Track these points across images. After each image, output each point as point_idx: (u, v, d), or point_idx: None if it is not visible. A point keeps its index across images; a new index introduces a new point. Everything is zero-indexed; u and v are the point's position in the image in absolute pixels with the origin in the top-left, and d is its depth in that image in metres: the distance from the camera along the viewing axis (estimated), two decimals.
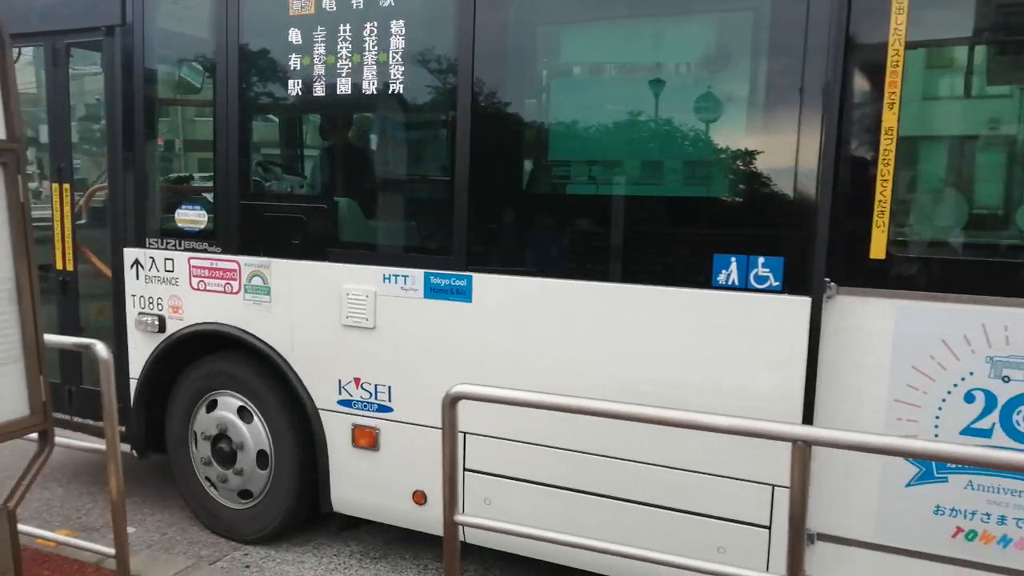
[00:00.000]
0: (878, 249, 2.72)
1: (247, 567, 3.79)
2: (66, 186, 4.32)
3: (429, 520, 3.54)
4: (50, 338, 2.77)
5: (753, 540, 2.99)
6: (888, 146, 2.69)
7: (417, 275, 3.42)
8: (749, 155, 2.96)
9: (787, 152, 2.83)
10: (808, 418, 2.87)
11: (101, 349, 3.01)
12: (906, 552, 2.83)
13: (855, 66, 2.73)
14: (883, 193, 2.71)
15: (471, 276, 3.33)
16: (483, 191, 3.29)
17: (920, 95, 2.86)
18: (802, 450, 2.07)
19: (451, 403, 2.51)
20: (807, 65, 2.75)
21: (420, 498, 3.56)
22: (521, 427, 3.27)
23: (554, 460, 3.25)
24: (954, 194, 2.98)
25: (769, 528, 2.96)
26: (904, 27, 2.61)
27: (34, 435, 2.76)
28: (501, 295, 3.29)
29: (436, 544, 3.91)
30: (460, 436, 3.03)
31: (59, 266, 4.39)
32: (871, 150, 2.72)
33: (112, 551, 3.02)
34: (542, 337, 3.22)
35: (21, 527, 2.90)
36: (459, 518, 2.57)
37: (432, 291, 3.41)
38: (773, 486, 2.92)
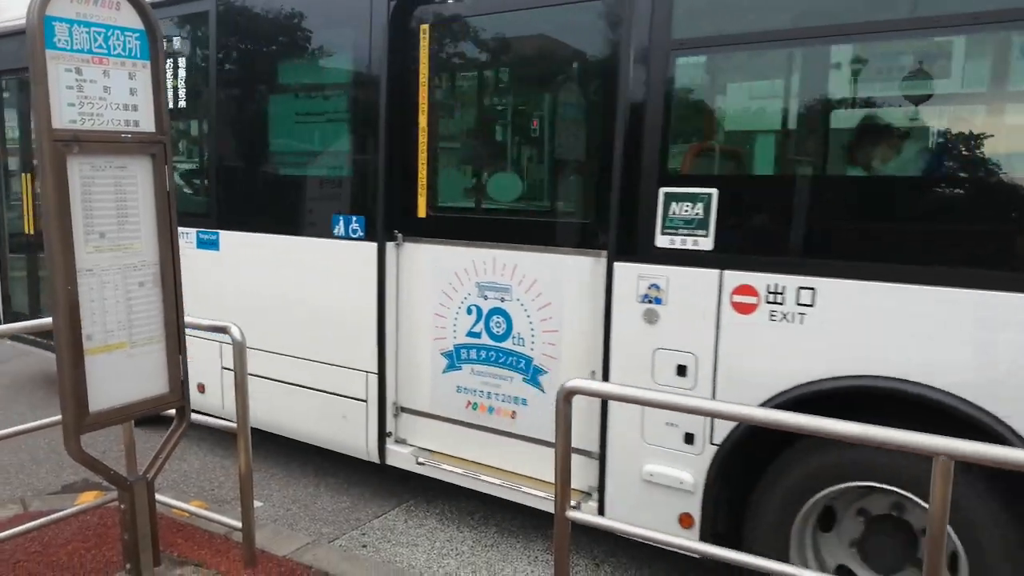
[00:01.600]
0: (422, 211, 4.00)
1: (364, 546, 3.90)
2: (30, 175, 6.03)
3: (205, 404, 4.88)
4: (188, 320, 2.93)
5: (359, 410, 4.26)
6: (422, 140, 3.94)
7: (192, 232, 4.84)
8: (350, 149, 4.28)
9: (368, 145, 4.10)
10: (381, 330, 4.12)
11: (236, 332, 3.16)
12: (444, 419, 4.08)
13: (399, 84, 3.96)
14: (422, 172, 3.96)
15: (219, 232, 4.76)
16: (223, 173, 4.78)
17: (442, 104, 4.05)
18: (946, 464, 1.91)
19: (565, 398, 2.48)
20: (371, 86, 4.03)
21: (201, 388, 4.92)
22: (256, 339, 4.39)
23: (266, 360, 4.59)
24: (459, 174, 4.21)
25: (366, 401, 4.22)
26: (427, 60, 3.89)
27: (172, 411, 2.93)
28: (233, 244, 4.71)
29: (546, 536, 3.90)
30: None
31: (26, 231, 6.20)
32: (413, 142, 3.95)
33: (239, 524, 3.18)
34: (252, 270, 4.60)
35: (158, 497, 3.09)
36: (570, 514, 2.54)
37: (200, 243, 4.84)
38: (367, 372, 4.20)
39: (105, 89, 2.50)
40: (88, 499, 3.93)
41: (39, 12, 2.30)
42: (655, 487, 3.30)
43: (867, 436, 2.03)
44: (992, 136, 2.75)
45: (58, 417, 2.66)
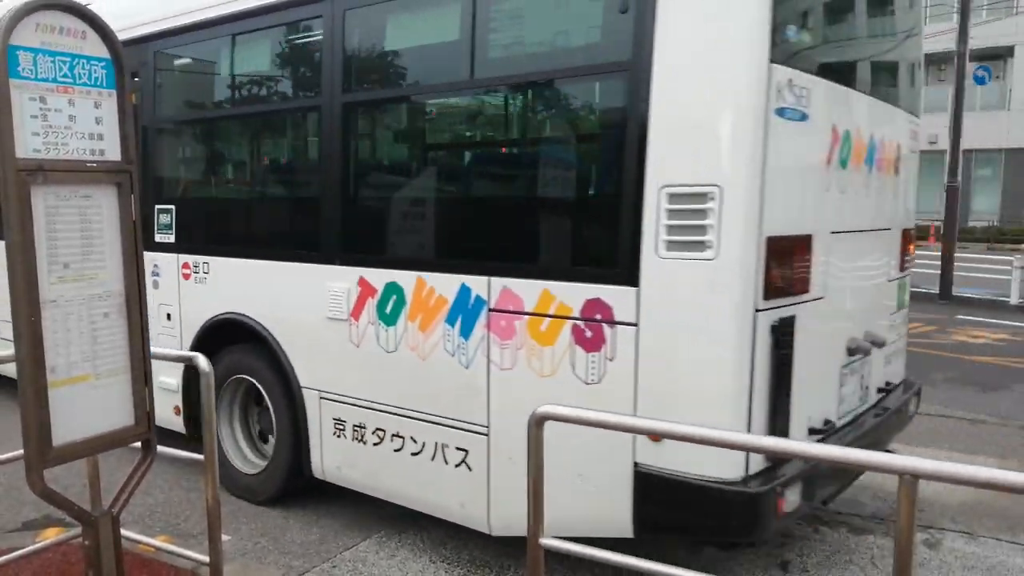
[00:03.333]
0: None
1: None
2: None
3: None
4: (154, 350, 2.89)
5: None
6: None
7: None
8: None
9: None
10: None
11: (202, 362, 3.12)
12: None
13: None
14: None
15: None
16: None
17: None
18: (910, 483, 1.95)
19: (537, 423, 2.48)
20: None
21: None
22: None
23: None
24: None
25: None
26: None
27: (138, 443, 2.88)
28: None
29: (519, 563, 3.88)
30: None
31: None
32: None
33: (206, 559, 3.11)
34: None
35: (124, 532, 3.02)
36: (543, 541, 2.53)
37: None
38: None
39: (70, 118, 2.48)
40: (50, 536, 3.83)
41: (2, 40, 2.28)
42: (163, 391, 4.92)
43: (842, 458, 2.08)
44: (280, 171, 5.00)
45: (19, 451, 2.60)
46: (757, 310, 3.03)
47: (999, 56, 28.22)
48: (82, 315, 2.60)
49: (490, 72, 3.70)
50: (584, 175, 3.57)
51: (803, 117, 3.18)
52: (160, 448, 3.01)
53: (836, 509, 4.68)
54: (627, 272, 3.12)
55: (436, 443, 3.79)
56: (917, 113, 4.63)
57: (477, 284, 3.58)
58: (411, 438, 3.90)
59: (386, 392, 3.96)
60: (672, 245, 3.01)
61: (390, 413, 3.97)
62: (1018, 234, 25.69)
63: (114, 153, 2.63)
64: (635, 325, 3.12)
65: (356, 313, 4.05)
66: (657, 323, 3.08)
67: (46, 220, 2.46)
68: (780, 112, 3.04)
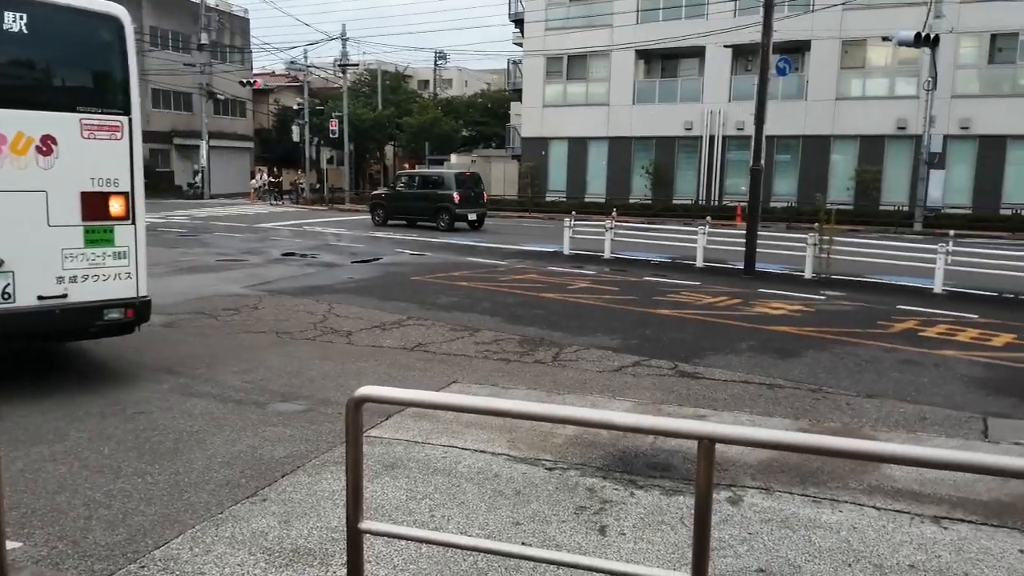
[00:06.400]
0: None
1: None
2: None
3: None
4: None
5: None
6: None
7: None
8: None
9: None
10: None
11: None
12: None
13: None
14: None
15: None
16: None
17: None
18: (707, 447, 2.07)
19: (356, 406, 2.42)
20: None
21: None
22: None
23: None
24: None
25: None
26: None
27: None
28: None
29: (320, 551, 3.80)
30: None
31: None
32: None
33: None
34: None
35: None
36: (363, 525, 2.48)
37: None
38: None
39: None
40: None
41: None
42: None
43: (635, 424, 2.17)
44: None
45: None
46: None
47: (797, 49, 30.72)
48: None
49: None
50: None
51: None
52: None
53: (650, 473, 4.96)
54: None
55: None
56: (119, 109, 6.42)
57: None
58: None
59: None
60: None
61: None
62: (811, 215, 28.25)
63: None
64: None
65: None
66: None
67: None
68: None
